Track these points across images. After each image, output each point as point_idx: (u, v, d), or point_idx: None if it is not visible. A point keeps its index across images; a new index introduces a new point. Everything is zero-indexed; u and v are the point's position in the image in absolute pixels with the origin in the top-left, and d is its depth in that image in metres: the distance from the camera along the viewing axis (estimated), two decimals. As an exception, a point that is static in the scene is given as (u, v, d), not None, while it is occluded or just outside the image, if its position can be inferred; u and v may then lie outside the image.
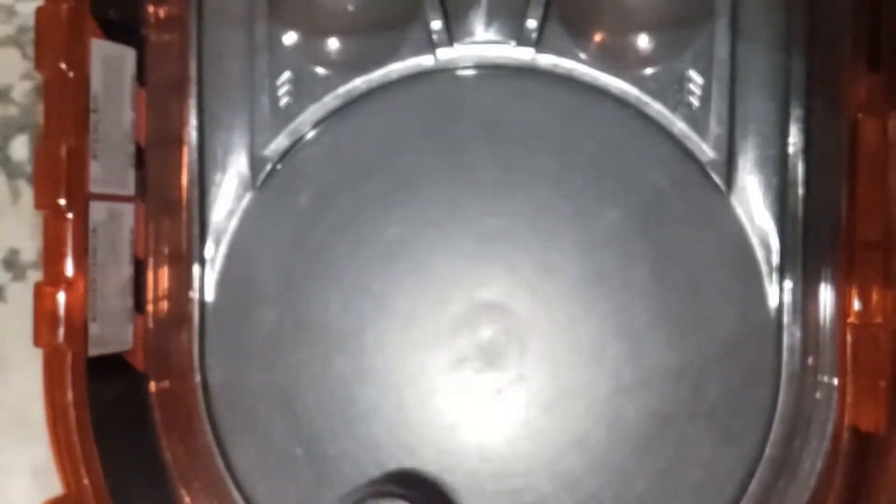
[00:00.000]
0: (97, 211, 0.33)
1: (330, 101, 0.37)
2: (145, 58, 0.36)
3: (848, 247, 0.34)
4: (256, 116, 0.37)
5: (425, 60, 0.37)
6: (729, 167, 0.36)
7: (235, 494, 0.37)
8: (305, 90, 0.37)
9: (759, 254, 0.36)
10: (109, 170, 0.34)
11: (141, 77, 0.35)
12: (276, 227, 0.37)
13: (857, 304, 0.34)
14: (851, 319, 0.34)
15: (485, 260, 0.36)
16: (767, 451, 0.35)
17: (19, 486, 0.40)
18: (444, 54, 0.36)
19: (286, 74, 0.37)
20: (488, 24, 0.36)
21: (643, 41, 0.36)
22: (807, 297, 0.36)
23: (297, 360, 0.36)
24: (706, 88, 0.36)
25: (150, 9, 0.36)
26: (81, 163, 0.33)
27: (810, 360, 0.35)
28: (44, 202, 0.32)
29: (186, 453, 0.36)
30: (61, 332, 0.32)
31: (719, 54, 0.35)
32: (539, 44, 0.36)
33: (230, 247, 0.37)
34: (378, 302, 0.36)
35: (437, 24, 0.36)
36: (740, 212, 0.36)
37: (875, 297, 0.33)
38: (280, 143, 0.37)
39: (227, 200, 0.37)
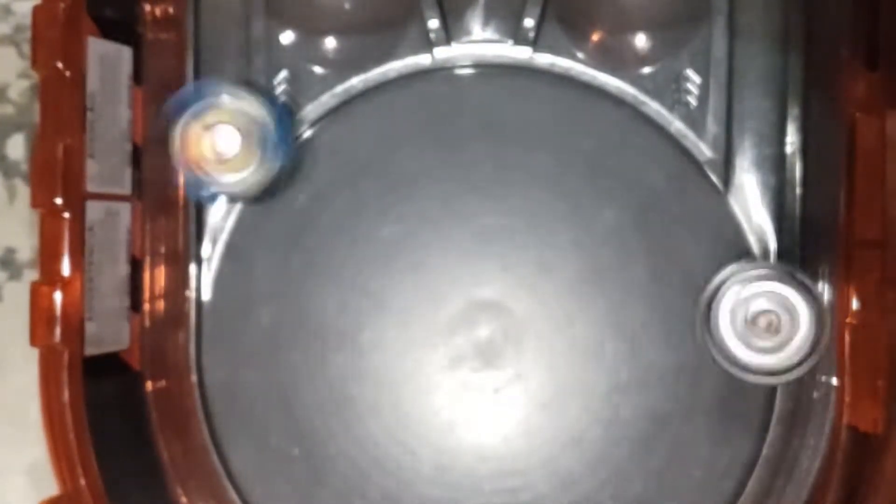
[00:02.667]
0: (94, 210, 0.33)
1: (327, 100, 0.37)
2: (142, 56, 0.36)
3: (846, 246, 0.34)
4: (254, 115, 0.37)
5: (423, 59, 0.37)
6: (726, 166, 0.36)
7: (232, 494, 0.37)
8: (303, 89, 0.37)
9: (757, 253, 0.36)
10: (106, 169, 0.34)
11: (138, 76, 0.35)
12: (273, 226, 0.37)
13: (855, 304, 0.34)
14: (849, 319, 0.34)
15: (482, 259, 0.36)
16: (765, 450, 0.35)
17: (16, 486, 0.40)
18: (442, 53, 0.36)
19: (283, 73, 0.37)
20: (485, 23, 0.36)
21: (641, 40, 0.36)
22: (805, 297, 0.36)
23: (294, 359, 0.36)
24: (704, 87, 0.36)
25: (147, 7, 0.36)
26: (78, 162, 0.33)
27: (808, 360, 0.35)
28: (40, 201, 0.32)
29: (183, 452, 0.36)
30: (58, 331, 0.32)
31: (717, 53, 0.35)
32: (536, 43, 0.36)
33: (227, 246, 0.37)
34: (375, 301, 0.36)
35: (434, 24, 0.36)
36: (738, 211, 0.36)
37: (873, 296, 0.33)
38: (277, 142, 0.37)
39: (224, 199, 0.37)
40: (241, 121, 0.33)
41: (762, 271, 0.33)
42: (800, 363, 0.33)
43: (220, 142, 0.33)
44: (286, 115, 0.35)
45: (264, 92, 0.35)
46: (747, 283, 0.33)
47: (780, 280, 0.33)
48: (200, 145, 0.33)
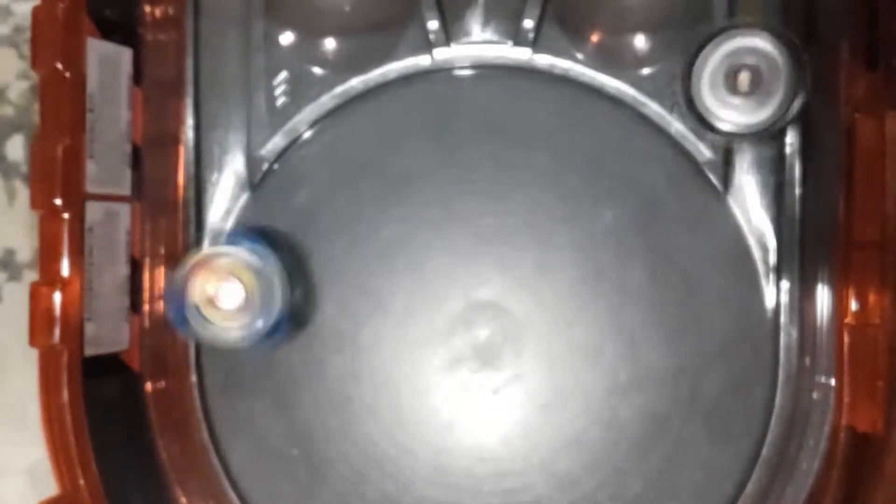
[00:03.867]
0: (93, 211, 0.33)
1: (327, 100, 0.37)
2: (142, 57, 0.36)
3: (845, 247, 0.34)
4: (253, 116, 0.37)
5: (422, 60, 0.37)
6: (726, 167, 0.36)
7: (231, 494, 0.37)
8: (302, 90, 0.37)
9: (756, 254, 0.36)
10: (105, 169, 0.34)
11: (137, 76, 0.35)
12: (272, 227, 0.37)
13: (854, 305, 0.34)
14: (848, 320, 0.34)
15: (481, 259, 0.36)
16: (764, 451, 0.35)
17: (15, 487, 0.40)
18: (441, 54, 0.36)
19: (283, 74, 0.37)
20: (485, 24, 0.36)
21: (640, 41, 0.36)
22: (804, 298, 0.35)
23: (293, 359, 0.36)
24: (703, 88, 0.35)
25: (147, 8, 0.36)
26: (77, 162, 0.33)
27: (807, 361, 0.35)
28: (40, 202, 0.32)
29: (182, 453, 0.36)
30: (57, 332, 0.32)
31: (716, 54, 0.35)
32: (536, 44, 0.36)
33: (226, 247, 0.37)
34: (374, 301, 0.36)
35: (433, 24, 0.36)
36: (737, 212, 0.36)
37: (872, 297, 0.33)
38: (277, 142, 0.37)
39: (224, 200, 0.37)
40: (251, 280, 0.33)
41: (747, 29, 0.33)
42: (779, 119, 0.33)
43: (224, 292, 0.33)
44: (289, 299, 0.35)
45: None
46: (731, 38, 0.33)
47: (765, 37, 0.33)
48: (203, 287, 0.33)
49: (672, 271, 0.36)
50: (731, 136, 0.34)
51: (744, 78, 0.33)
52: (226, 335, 0.33)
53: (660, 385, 0.36)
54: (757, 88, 0.33)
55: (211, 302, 0.33)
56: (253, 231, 0.36)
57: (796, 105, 0.33)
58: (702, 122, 0.33)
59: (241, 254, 0.33)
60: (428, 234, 0.36)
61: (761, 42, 0.33)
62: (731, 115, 0.33)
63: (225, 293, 0.33)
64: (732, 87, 0.33)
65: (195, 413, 0.37)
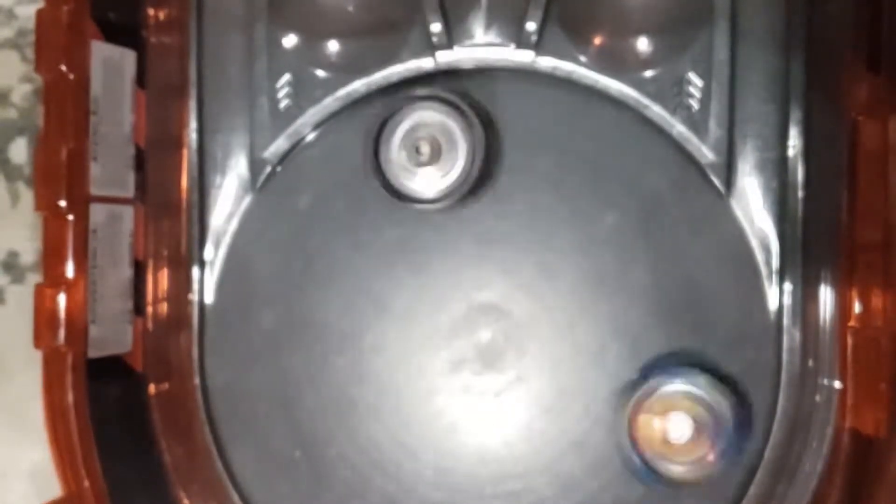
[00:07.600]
0: (97, 213, 0.33)
1: (330, 103, 0.37)
2: (145, 60, 0.36)
3: (848, 249, 0.34)
4: (256, 119, 0.37)
5: (425, 63, 0.37)
6: (728, 169, 0.36)
7: (234, 496, 0.37)
8: (305, 92, 0.37)
9: (759, 256, 0.36)
10: (109, 172, 0.34)
11: (141, 79, 0.35)
12: (275, 230, 0.37)
13: (857, 307, 0.34)
14: (852, 322, 0.34)
15: (484, 262, 0.36)
16: (767, 453, 0.35)
17: (18, 488, 0.40)
18: (444, 57, 0.36)
19: (286, 77, 0.37)
20: (488, 26, 0.36)
21: (643, 43, 0.36)
22: (807, 300, 0.35)
23: (296, 361, 0.37)
24: (706, 91, 0.35)
25: (150, 11, 0.36)
26: (81, 165, 0.33)
27: (810, 363, 0.35)
28: (44, 204, 0.32)
29: (185, 455, 0.36)
30: (61, 333, 0.32)
31: (719, 56, 0.35)
32: (539, 46, 0.36)
33: (230, 249, 0.37)
34: (377, 304, 0.36)
35: (436, 27, 0.36)
36: (740, 214, 0.36)
37: (875, 299, 0.33)
38: (280, 145, 0.37)
39: (227, 203, 0.37)
40: (697, 410, 0.33)
41: (423, 101, 0.35)
42: (462, 184, 0.35)
43: (672, 429, 0.33)
44: (747, 415, 0.35)
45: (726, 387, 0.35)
46: (409, 112, 0.35)
47: (438, 108, 0.35)
48: (651, 429, 0.33)
49: (674, 273, 0.36)
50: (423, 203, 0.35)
51: (424, 149, 0.34)
52: (686, 472, 0.34)
53: (662, 387, 0.36)
54: (438, 158, 0.35)
55: (665, 443, 0.33)
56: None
57: (475, 170, 0.35)
58: (394, 194, 0.35)
59: (677, 386, 0.34)
60: (430, 237, 0.36)
61: (436, 114, 0.35)
62: (420, 184, 0.35)
63: (674, 429, 0.33)
64: (416, 159, 0.35)
65: (198, 415, 0.37)
